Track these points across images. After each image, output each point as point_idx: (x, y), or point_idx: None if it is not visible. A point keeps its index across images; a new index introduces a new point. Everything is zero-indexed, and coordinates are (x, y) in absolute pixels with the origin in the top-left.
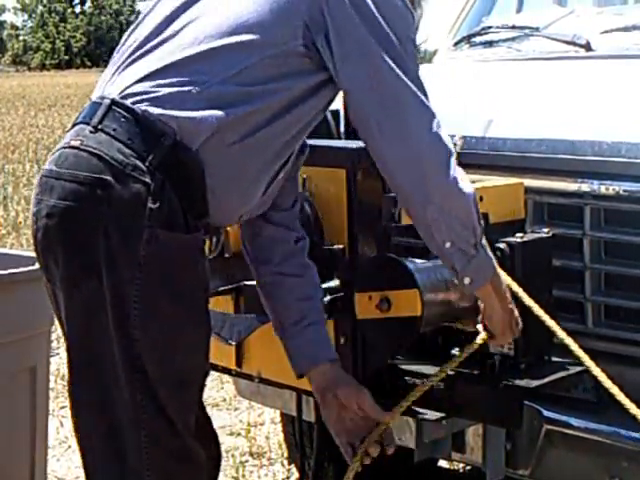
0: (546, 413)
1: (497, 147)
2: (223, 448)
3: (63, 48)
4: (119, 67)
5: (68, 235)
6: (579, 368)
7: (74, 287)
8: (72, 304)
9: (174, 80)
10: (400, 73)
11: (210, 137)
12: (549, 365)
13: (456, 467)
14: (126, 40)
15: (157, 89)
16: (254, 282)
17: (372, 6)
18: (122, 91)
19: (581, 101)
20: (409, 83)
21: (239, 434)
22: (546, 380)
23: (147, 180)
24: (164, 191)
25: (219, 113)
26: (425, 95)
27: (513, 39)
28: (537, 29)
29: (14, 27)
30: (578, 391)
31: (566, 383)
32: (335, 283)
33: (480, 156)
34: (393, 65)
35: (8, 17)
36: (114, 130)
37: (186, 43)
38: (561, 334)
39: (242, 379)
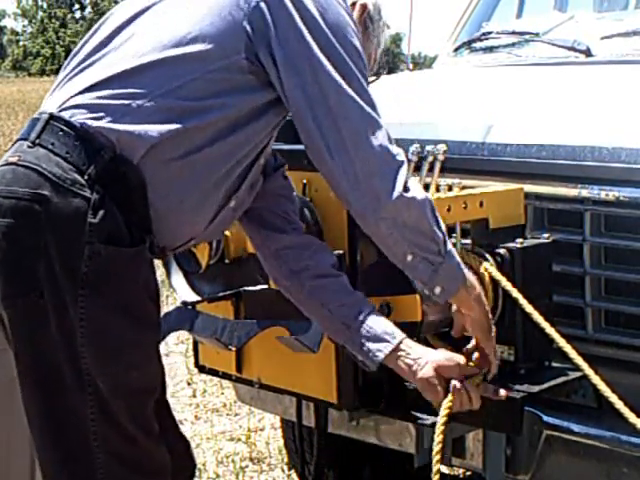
0: (546, 418)
1: (497, 153)
2: (223, 453)
3: (63, 54)
4: (60, 82)
5: (7, 254)
6: (579, 374)
7: (17, 306)
8: (16, 322)
9: (114, 92)
10: (346, 87)
11: (149, 151)
12: (549, 370)
13: (456, 472)
14: (73, 56)
15: (96, 101)
16: (254, 287)
17: (318, 16)
18: (61, 105)
19: (581, 107)
20: (356, 97)
21: (239, 439)
22: (546, 385)
23: (87, 194)
24: (104, 204)
25: (159, 127)
26: (373, 107)
27: (513, 45)
28: (537, 35)
29: (14, 33)
30: (578, 396)
31: (566, 388)
32: None
33: (480, 162)
34: (339, 78)
35: (8, 22)
36: (52, 144)
37: (127, 56)
38: (560, 341)
39: (242, 384)
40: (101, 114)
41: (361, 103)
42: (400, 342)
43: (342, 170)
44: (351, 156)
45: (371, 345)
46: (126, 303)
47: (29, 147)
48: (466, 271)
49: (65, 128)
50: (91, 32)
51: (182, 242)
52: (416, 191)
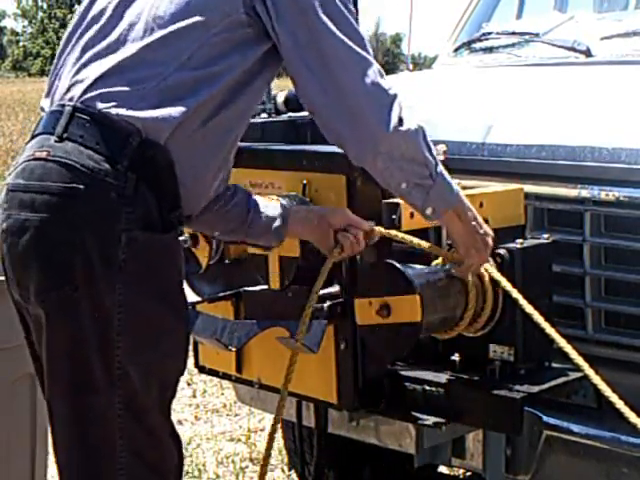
0: (546, 419)
1: (497, 153)
2: (223, 454)
3: None
4: (71, 72)
5: (44, 249)
6: (579, 374)
7: (51, 300)
8: (51, 317)
9: (130, 77)
10: (335, 29)
11: (175, 129)
12: (549, 371)
13: (456, 473)
14: (67, 44)
15: (115, 89)
16: (254, 287)
17: None
18: (81, 96)
19: (581, 107)
20: (345, 39)
21: (239, 440)
22: (546, 386)
23: (120, 183)
24: (138, 191)
25: (179, 106)
26: (362, 46)
27: (513, 45)
28: (537, 35)
29: (14, 33)
30: (578, 397)
31: (566, 389)
32: (335, 289)
33: (480, 162)
34: (328, 21)
35: (8, 23)
36: (81, 137)
37: (134, 38)
38: (561, 341)
39: (242, 385)
40: (122, 101)
41: (349, 43)
42: (288, 211)
43: (335, 111)
44: (344, 96)
45: (271, 228)
46: (164, 290)
47: (56, 141)
48: (461, 194)
49: (91, 119)
50: (79, 17)
51: (206, 202)
52: (410, 122)
